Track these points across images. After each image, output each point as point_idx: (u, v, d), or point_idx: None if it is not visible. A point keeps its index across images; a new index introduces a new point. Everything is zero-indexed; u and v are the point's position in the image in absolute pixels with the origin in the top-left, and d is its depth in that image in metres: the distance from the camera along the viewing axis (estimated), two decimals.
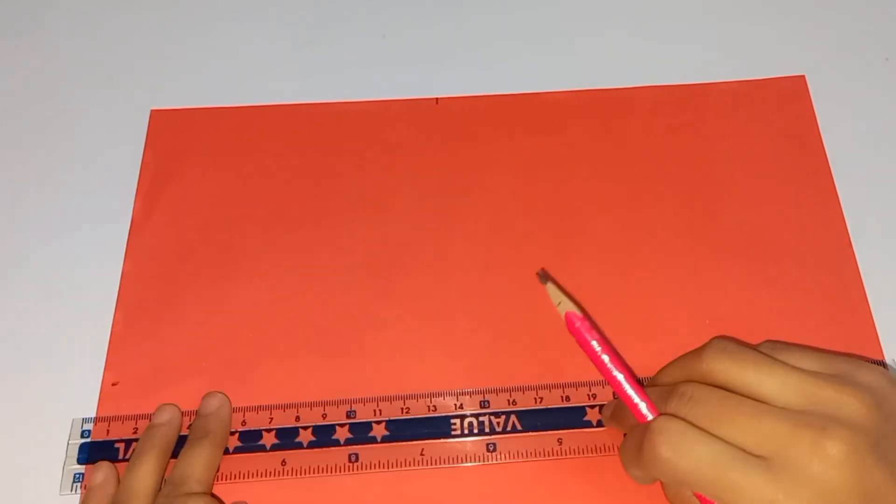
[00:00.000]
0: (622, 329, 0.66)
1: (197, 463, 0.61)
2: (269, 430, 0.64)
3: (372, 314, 0.69)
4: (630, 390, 0.55)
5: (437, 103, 0.78)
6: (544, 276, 0.59)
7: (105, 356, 0.68)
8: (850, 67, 0.80)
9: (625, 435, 0.58)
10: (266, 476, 0.63)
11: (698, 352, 0.55)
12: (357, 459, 0.63)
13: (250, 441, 0.64)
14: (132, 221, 0.73)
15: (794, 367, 0.52)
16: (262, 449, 0.64)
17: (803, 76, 0.78)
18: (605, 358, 0.55)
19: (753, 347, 0.54)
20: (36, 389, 0.67)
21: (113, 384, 0.66)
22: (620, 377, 0.55)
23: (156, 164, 0.76)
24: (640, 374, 0.62)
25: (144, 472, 0.60)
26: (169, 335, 0.69)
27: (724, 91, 0.78)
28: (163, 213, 0.74)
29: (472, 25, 0.84)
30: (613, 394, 0.63)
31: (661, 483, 0.56)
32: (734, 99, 0.78)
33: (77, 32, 0.85)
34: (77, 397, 0.65)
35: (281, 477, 0.63)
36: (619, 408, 0.59)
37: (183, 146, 0.77)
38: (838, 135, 0.75)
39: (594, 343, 0.56)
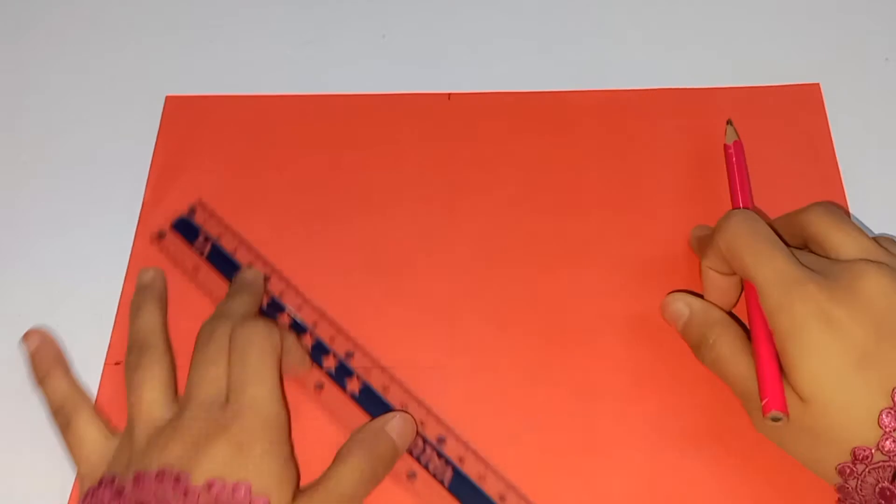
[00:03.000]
0: (630, 328, 0.68)
1: (239, 305, 0.65)
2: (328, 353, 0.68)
3: (380, 310, 0.70)
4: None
5: (449, 99, 0.79)
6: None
7: (109, 337, 0.69)
8: (864, 76, 0.80)
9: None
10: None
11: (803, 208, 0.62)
12: None
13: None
14: (142, 206, 0.75)
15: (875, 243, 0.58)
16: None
17: (818, 84, 0.79)
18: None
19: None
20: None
21: (116, 363, 0.68)
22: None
23: (168, 149, 0.77)
24: (651, 371, 0.66)
25: (150, 315, 0.66)
26: (177, 320, 0.70)
27: (736, 96, 0.78)
28: (173, 199, 0.75)
29: (472, 25, 0.85)
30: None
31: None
32: (746, 105, 0.78)
33: (93, 19, 0.86)
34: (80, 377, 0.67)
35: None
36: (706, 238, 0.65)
37: (196, 133, 0.78)
38: (850, 144, 0.75)
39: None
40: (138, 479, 0.56)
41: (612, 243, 0.71)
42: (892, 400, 0.51)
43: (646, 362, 0.66)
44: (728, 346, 0.59)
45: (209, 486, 0.54)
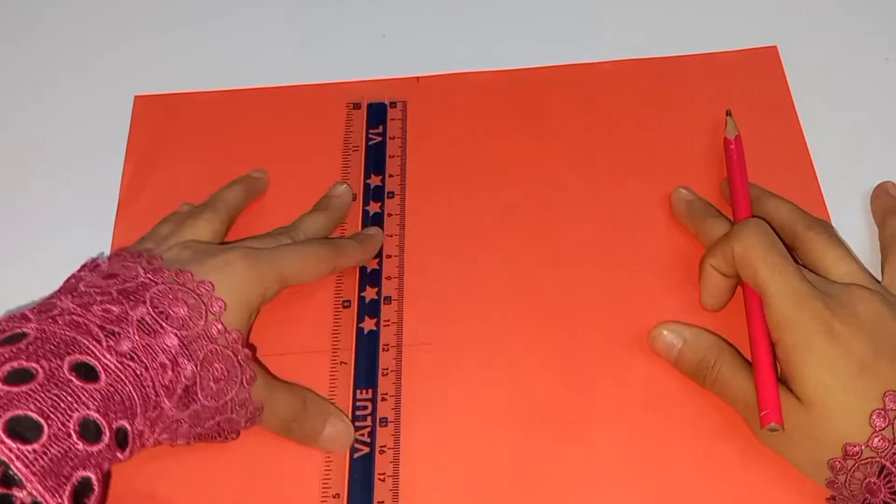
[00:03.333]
0: (603, 296, 0.68)
1: (314, 224, 0.69)
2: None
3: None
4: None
5: (418, 82, 0.78)
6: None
7: None
8: (820, 37, 0.81)
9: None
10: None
11: (812, 218, 0.66)
12: None
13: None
14: (118, 206, 0.73)
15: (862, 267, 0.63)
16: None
17: (775, 47, 0.79)
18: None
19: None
20: None
21: None
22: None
23: (141, 149, 0.76)
24: (623, 339, 0.66)
25: (233, 191, 0.71)
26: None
27: (697, 63, 0.79)
28: (148, 198, 0.73)
29: (473, 25, 0.83)
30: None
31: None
32: (707, 71, 0.78)
33: (63, 21, 0.85)
34: None
35: None
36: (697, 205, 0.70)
37: (167, 131, 0.77)
38: (811, 104, 0.76)
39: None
40: (115, 255, 0.60)
41: (587, 213, 0.72)
42: (884, 403, 0.55)
43: (622, 326, 0.67)
44: (727, 366, 0.62)
45: (178, 273, 0.57)
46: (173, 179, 0.74)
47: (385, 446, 0.62)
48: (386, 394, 0.64)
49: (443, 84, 0.78)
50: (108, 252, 0.70)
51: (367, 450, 0.62)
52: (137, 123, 0.77)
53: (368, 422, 0.63)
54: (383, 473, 0.61)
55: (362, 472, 0.61)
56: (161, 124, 0.77)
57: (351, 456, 0.62)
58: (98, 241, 0.71)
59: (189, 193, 0.71)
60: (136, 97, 0.79)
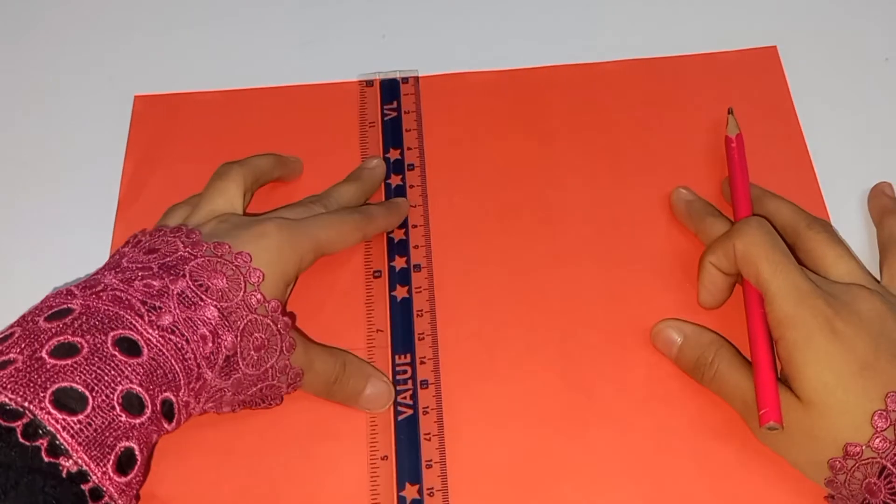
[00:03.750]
0: (603, 296, 0.68)
1: (346, 193, 0.69)
2: None
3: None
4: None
5: (418, 82, 0.78)
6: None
7: None
8: (820, 38, 0.81)
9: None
10: None
11: (812, 217, 0.66)
12: None
13: None
14: (118, 206, 0.73)
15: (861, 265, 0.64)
16: None
17: (775, 47, 0.80)
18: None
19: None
20: None
21: None
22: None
23: (141, 149, 0.76)
24: (620, 341, 0.66)
25: (263, 158, 0.70)
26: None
27: (697, 63, 0.79)
28: (148, 198, 0.73)
29: (473, 26, 0.83)
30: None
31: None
32: (707, 71, 0.79)
33: (63, 21, 0.85)
34: None
35: None
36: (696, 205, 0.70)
37: (167, 131, 0.77)
38: (811, 104, 0.76)
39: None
40: (155, 231, 0.60)
41: (588, 213, 0.72)
42: (885, 403, 0.56)
43: (620, 325, 0.67)
44: (726, 363, 0.62)
45: (217, 245, 0.58)
46: (173, 179, 0.73)
47: (428, 407, 0.62)
48: (424, 357, 0.64)
49: (443, 84, 0.78)
50: (108, 252, 0.69)
51: (410, 412, 0.62)
52: (137, 123, 0.77)
53: (409, 385, 0.63)
54: (428, 433, 0.62)
55: (408, 433, 0.62)
56: (161, 124, 0.76)
57: (395, 418, 0.62)
58: (98, 240, 0.71)
59: (189, 194, 0.69)
60: (136, 97, 0.78)
